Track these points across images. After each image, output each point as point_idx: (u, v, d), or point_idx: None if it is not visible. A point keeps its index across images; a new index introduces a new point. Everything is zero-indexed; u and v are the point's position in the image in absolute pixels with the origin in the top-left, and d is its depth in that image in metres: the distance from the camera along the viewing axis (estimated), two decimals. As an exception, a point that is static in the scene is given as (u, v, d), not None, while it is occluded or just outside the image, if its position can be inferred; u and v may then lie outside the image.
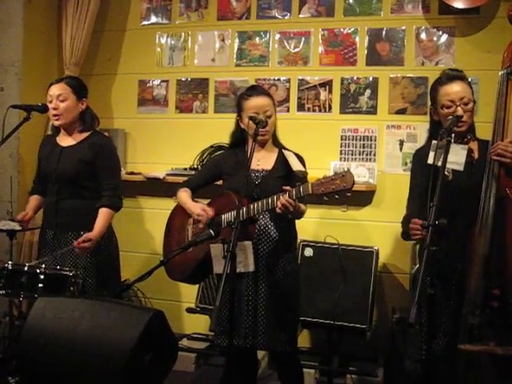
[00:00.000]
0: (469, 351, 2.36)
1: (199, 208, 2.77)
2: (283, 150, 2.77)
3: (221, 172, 2.87)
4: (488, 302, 2.35)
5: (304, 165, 2.76)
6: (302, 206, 2.61)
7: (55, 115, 3.04)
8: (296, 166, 2.64)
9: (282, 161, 2.74)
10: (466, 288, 2.40)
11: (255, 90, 2.86)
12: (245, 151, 2.82)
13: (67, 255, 3.01)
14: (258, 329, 2.65)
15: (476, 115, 2.72)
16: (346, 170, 2.33)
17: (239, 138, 2.86)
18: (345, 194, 2.32)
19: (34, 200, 3.24)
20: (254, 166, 2.74)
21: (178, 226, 2.95)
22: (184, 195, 2.90)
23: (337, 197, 2.33)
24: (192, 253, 2.72)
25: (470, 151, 2.53)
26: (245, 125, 2.76)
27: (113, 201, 3.06)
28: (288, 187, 2.45)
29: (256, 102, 2.73)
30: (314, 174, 3.09)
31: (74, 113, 3.08)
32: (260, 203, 2.53)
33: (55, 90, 3.06)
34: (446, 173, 2.45)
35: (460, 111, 2.50)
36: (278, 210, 2.47)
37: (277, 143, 2.84)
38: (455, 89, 2.53)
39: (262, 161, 2.79)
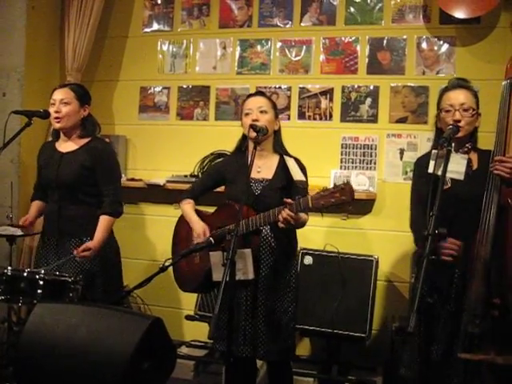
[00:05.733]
0: (468, 360, 2.36)
1: (201, 229, 2.77)
2: (284, 157, 2.76)
3: (223, 178, 2.87)
4: (488, 311, 2.35)
5: (305, 171, 2.76)
6: (304, 217, 2.60)
7: (56, 118, 3.04)
8: (297, 175, 2.63)
9: (282, 169, 2.73)
10: (467, 297, 2.39)
11: (255, 92, 2.94)
12: (245, 157, 2.81)
13: (69, 262, 3.00)
14: (258, 339, 2.64)
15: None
16: (345, 182, 2.33)
17: (242, 143, 2.85)
18: (346, 207, 2.33)
19: (35, 205, 3.24)
20: (254, 174, 2.74)
21: (184, 235, 2.93)
22: (187, 208, 2.90)
23: (337, 209, 2.34)
24: (199, 264, 2.72)
25: (468, 161, 2.53)
26: (243, 125, 2.78)
27: (113, 208, 3.04)
28: (289, 200, 2.45)
29: (251, 100, 2.79)
30: (315, 182, 3.11)
31: (75, 118, 3.07)
32: (261, 216, 2.54)
33: (59, 94, 3.07)
34: (448, 181, 2.48)
35: (458, 115, 2.52)
36: (280, 225, 2.48)
37: (278, 149, 2.82)
38: (457, 95, 2.58)
39: (263, 168, 2.78)
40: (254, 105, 2.75)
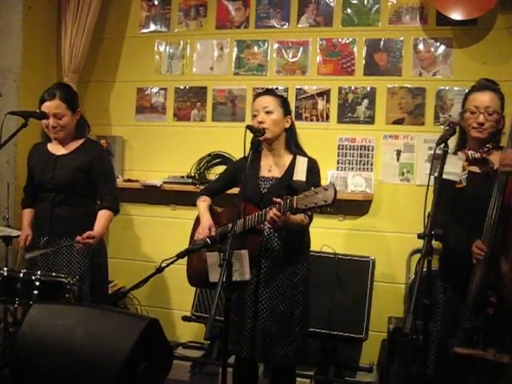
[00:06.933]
0: (463, 354, 2.38)
1: (205, 224, 2.78)
2: (297, 156, 2.72)
3: (237, 178, 2.85)
4: (483, 309, 2.37)
5: (314, 172, 2.71)
6: (298, 218, 2.57)
7: (54, 132, 3.05)
8: (298, 175, 2.61)
9: (293, 168, 2.70)
10: (468, 293, 2.42)
11: (262, 91, 2.90)
12: (260, 158, 2.79)
13: (61, 262, 3.01)
14: (257, 341, 2.62)
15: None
16: (329, 183, 2.32)
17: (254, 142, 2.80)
18: (328, 209, 2.31)
19: (28, 214, 3.21)
20: (265, 172, 2.74)
21: None
22: (202, 206, 2.89)
23: (319, 211, 2.32)
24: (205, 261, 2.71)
25: (488, 162, 2.55)
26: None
27: (113, 204, 3.12)
28: (278, 199, 2.43)
29: (257, 101, 2.76)
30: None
31: (72, 126, 3.10)
32: (256, 215, 2.54)
33: (51, 108, 3.02)
34: (459, 180, 2.50)
35: (482, 118, 2.53)
36: (267, 225, 2.47)
37: (292, 148, 2.77)
38: (483, 97, 2.57)
39: (274, 167, 2.75)
40: (260, 105, 2.72)
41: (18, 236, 3.33)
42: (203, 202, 2.91)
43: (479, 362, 2.39)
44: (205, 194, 2.96)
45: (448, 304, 2.58)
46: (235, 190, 2.93)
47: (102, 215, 3.06)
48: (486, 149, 2.58)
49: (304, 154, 2.76)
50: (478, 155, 2.57)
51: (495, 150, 2.60)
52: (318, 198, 2.29)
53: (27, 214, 3.23)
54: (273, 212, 2.43)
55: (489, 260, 2.38)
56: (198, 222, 2.92)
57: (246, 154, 2.67)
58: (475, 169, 2.59)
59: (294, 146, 2.77)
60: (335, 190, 2.29)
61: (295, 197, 2.36)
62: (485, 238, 2.41)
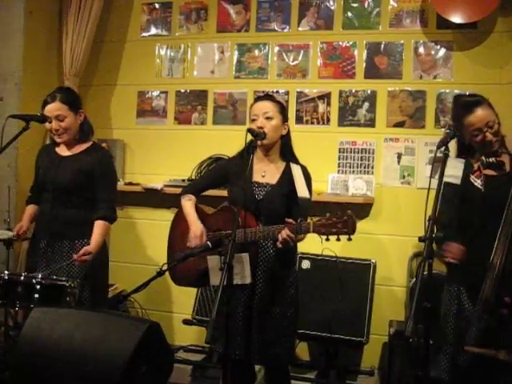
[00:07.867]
0: (472, 353, 2.41)
1: (198, 231, 2.74)
2: (291, 164, 2.71)
3: (225, 178, 2.83)
4: (497, 309, 2.37)
5: (309, 181, 2.71)
6: (303, 236, 2.59)
7: (57, 134, 3.05)
8: (301, 190, 2.60)
9: (287, 176, 2.69)
10: (480, 293, 2.42)
11: (262, 96, 2.89)
12: (251, 160, 2.74)
13: (62, 263, 3.00)
14: (253, 344, 2.62)
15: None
16: (349, 213, 2.38)
17: (249, 146, 2.69)
18: (347, 238, 2.37)
19: (31, 209, 3.22)
20: (258, 178, 2.72)
21: (180, 233, 2.89)
22: (188, 205, 2.84)
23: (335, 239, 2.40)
24: (194, 262, 2.70)
25: (501, 164, 2.54)
26: None
27: (108, 213, 3.07)
28: (291, 220, 2.44)
29: (257, 106, 2.73)
30: (312, 186, 3.09)
31: (75, 128, 3.09)
32: (261, 230, 2.53)
33: (52, 110, 3.02)
34: (477, 185, 2.52)
35: (489, 137, 2.51)
36: (278, 245, 2.48)
37: (286, 155, 2.76)
38: (478, 117, 2.52)
39: (268, 173, 2.73)
40: (260, 110, 2.68)
41: (19, 240, 3.34)
42: (189, 201, 2.86)
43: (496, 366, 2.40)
44: (190, 191, 2.90)
45: (463, 306, 2.58)
46: (222, 193, 2.93)
47: (97, 227, 3.02)
48: (497, 153, 2.56)
49: (296, 161, 2.76)
50: (493, 159, 2.54)
51: (503, 153, 2.60)
52: (338, 227, 2.38)
53: (29, 208, 3.23)
54: (286, 233, 2.44)
55: (504, 261, 2.38)
56: (179, 220, 2.89)
57: (242, 157, 2.68)
58: (491, 172, 2.57)
59: (287, 154, 2.77)
60: (355, 221, 2.37)
61: (311, 222, 2.41)
62: (499, 239, 2.40)
